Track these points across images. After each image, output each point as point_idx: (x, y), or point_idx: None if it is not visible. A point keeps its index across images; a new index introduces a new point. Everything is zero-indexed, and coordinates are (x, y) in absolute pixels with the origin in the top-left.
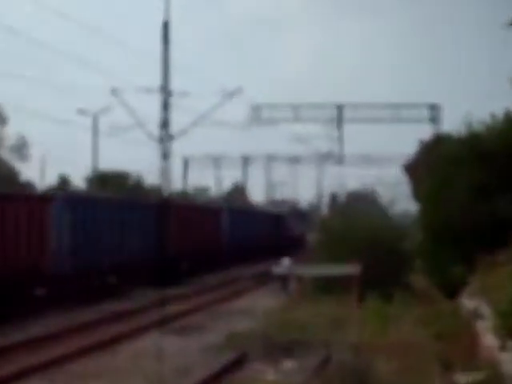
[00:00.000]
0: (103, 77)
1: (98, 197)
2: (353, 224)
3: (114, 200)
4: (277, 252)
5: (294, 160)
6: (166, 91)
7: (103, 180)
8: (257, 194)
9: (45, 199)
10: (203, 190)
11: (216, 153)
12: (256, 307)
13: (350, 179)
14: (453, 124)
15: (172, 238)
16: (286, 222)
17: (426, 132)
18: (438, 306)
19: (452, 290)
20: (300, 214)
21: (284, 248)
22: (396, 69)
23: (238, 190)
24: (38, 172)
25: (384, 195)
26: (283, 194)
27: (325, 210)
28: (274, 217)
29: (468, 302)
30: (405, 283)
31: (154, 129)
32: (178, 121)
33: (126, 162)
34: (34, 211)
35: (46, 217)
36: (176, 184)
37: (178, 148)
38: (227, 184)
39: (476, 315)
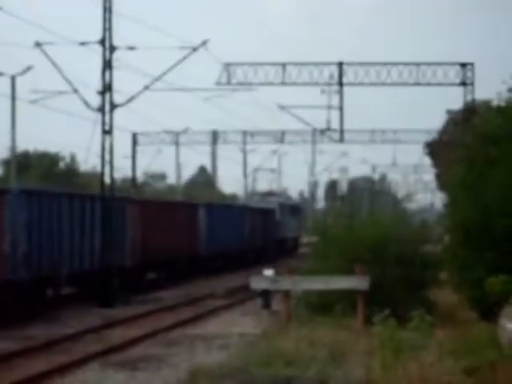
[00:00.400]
0: (27, 28)
1: (58, 191)
2: (357, 223)
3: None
4: (264, 258)
5: (279, 137)
6: (107, 45)
7: (24, 163)
8: (230, 183)
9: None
10: (158, 178)
11: (175, 127)
12: (230, 333)
13: (354, 162)
14: (489, 89)
15: (125, 244)
16: (275, 220)
17: (455, 99)
18: (471, 329)
19: (489, 309)
20: (292, 210)
21: (273, 253)
22: (416, 26)
23: (205, 177)
24: None
25: (399, 183)
26: (265, 182)
27: (321, 203)
28: (261, 214)
29: (510, 324)
30: (426, 299)
31: (92, 95)
32: (123, 84)
33: (55, 139)
34: None
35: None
36: (122, 169)
37: (124, 121)
38: (190, 169)
39: None
